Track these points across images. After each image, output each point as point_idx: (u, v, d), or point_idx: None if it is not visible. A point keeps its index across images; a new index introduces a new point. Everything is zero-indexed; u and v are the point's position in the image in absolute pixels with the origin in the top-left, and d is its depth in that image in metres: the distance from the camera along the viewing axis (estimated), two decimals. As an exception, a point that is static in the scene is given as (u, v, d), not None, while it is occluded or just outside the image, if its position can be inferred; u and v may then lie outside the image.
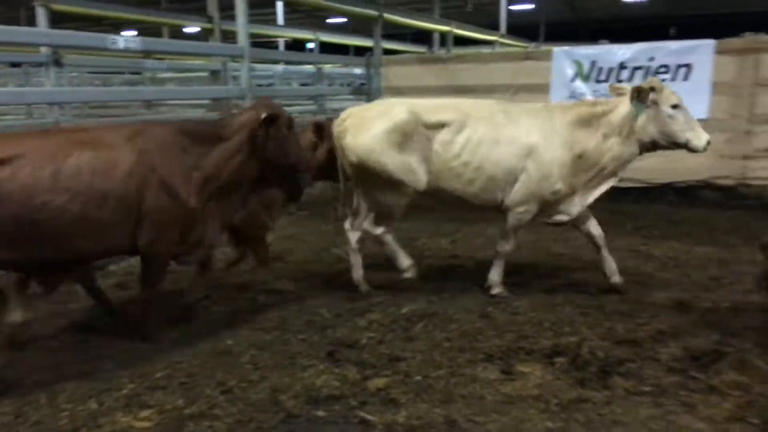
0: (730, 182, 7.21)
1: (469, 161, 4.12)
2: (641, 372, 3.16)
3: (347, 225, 4.51)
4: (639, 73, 7.82)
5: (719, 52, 7.33)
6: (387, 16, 9.31)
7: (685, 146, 4.06)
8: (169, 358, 3.39)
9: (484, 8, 25.13)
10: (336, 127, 4.31)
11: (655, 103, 4.03)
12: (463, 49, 14.29)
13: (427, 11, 14.68)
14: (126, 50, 6.10)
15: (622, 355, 3.31)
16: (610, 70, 7.93)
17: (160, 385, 3.11)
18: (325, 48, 15.61)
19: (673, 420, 2.76)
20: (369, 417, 2.77)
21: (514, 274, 4.76)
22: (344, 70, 16.27)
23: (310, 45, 18.03)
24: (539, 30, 27.76)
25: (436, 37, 14.08)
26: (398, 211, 4.33)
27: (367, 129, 4.14)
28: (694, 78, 7.48)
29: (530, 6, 27.25)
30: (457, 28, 12.11)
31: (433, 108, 4.24)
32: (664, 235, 6.00)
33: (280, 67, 12.84)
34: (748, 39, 7.26)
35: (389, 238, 4.40)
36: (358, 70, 10.03)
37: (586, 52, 8.15)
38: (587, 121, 4.16)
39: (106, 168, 3.25)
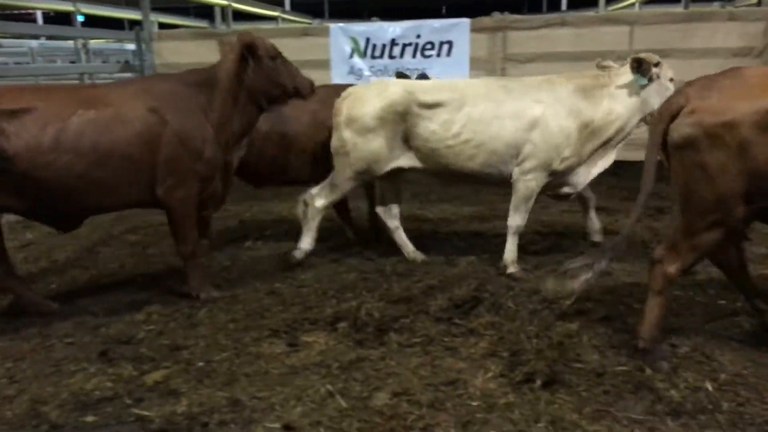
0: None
1: (470, 139, 4.12)
2: (413, 325, 3.45)
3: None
4: (409, 50, 8.34)
5: (474, 30, 8.10)
6: (155, -13, 8.66)
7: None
8: None
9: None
10: (336, 107, 4.32)
11: (658, 76, 4.11)
12: (248, 24, 13.93)
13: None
14: None
15: (397, 312, 3.57)
16: (384, 46, 8.34)
17: None
18: (98, 22, 14.14)
19: (439, 364, 3.06)
20: (145, 413, 2.64)
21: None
22: (117, 46, 14.87)
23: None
24: (324, 7, 28.13)
25: (218, 11, 13.49)
26: (348, 187, 4.40)
27: (363, 104, 4.19)
28: (455, 54, 8.19)
29: (314, -18, 27.30)
30: (236, 2, 11.70)
31: (429, 88, 4.28)
32: (440, 198, 6.59)
33: (35, 43, 11.32)
34: (496, 18, 8.12)
35: (318, 219, 4.46)
36: (132, 46, 9.24)
37: (361, 29, 8.46)
38: (591, 92, 4.17)
39: None
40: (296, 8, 21.31)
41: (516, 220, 4.30)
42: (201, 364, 3.07)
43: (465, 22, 8.16)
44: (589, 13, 8.15)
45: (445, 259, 4.56)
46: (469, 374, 2.95)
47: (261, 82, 3.89)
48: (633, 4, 14.00)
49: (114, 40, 13.42)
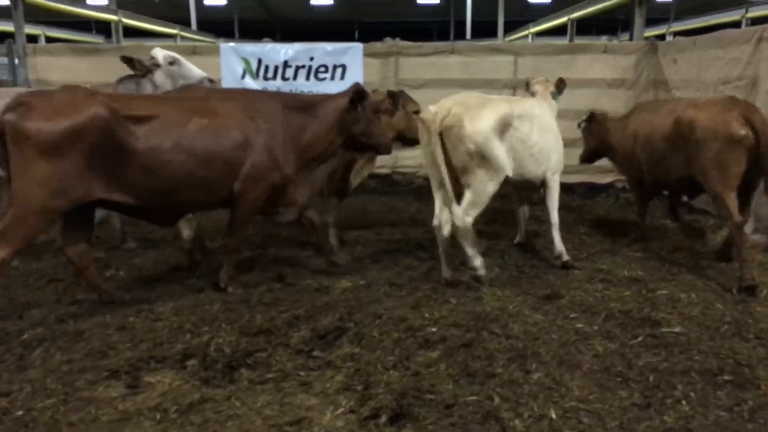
0: (385, 171, 8.09)
1: (543, 147, 4.64)
2: (269, 360, 3.27)
3: (436, 222, 4.48)
4: (302, 72, 8.25)
5: (367, 54, 8.14)
6: (28, -1, 8.12)
7: None
8: None
9: (174, 1, 24.10)
10: (439, 118, 4.27)
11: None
12: (141, 41, 13.39)
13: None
14: None
15: (254, 346, 3.38)
16: (276, 67, 8.20)
17: None
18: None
19: (289, 401, 2.90)
20: (-65, 475, 2.32)
21: (163, 279, 4.60)
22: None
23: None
24: (234, 26, 27.76)
25: (114, 27, 12.87)
26: (489, 200, 4.44)
27: (479, 117, 4.29)
28: (348, 77, 8.16)
29: (222, 2, 26.90)
30: (127, 17, 11.19)
31: (513, 101, 4.72)
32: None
33: None
34: (388, 44, 8.21)
35: (473, 233, 4.39)
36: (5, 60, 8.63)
37: (253, 49, 8.29)
38: (550, 106, 5.08)
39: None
40: (206, 28, 20.75)
41: (556, 216, 4.95)
42: (20, 413, 2.75)
43: (358, 46, 8.18)
44: (478, 42, 8.40)
45: (318, 286, 4.44)
46: (318, 411, 2.82)
47: (357, 126, 4.49)
48: (527, 36, 14.73)
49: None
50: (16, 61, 7.95)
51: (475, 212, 4.40)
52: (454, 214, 4.30)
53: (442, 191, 4.38)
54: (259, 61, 8.19)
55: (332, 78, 8.24)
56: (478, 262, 4.42)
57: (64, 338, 3.51)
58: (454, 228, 4.35)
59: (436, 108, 4.38)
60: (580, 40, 12.49)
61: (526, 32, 14.80)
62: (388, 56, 8.15)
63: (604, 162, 8.16)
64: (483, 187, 4.38)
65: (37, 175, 3.47)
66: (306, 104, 4.50)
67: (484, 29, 21.89)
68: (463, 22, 22.54)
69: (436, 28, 31.80)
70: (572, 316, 3.94)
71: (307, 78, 8.26)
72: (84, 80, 7.73)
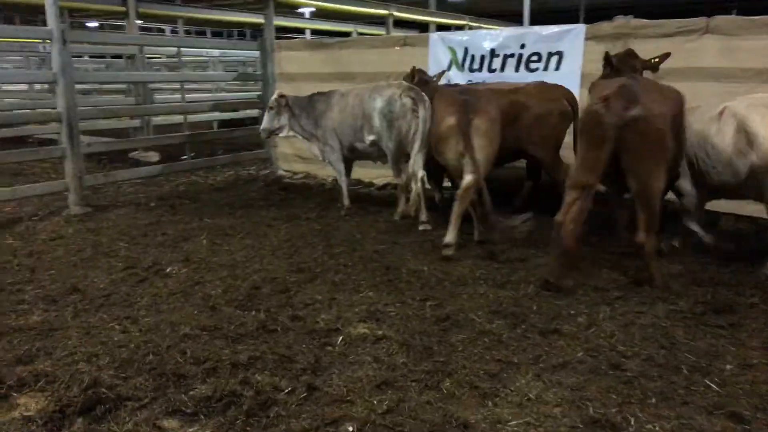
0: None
1: None
2: (122, 414, 2.67)
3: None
4: (511, 62, 7.06)
5: (590, 37, 6.47)
6: (281, -1, 8.86)
7: None
8: None
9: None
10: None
11: None
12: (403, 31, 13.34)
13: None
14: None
15: (132, 391, 2.82)
16: (483, 57, 7.21)
17: None
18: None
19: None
20: None
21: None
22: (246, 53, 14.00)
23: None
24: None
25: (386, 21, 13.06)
26: None
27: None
28: (564, 67, 6.67)
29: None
30: (400, 11, 11.37)
31: None
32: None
33: (216, 53, 12.55)
34: (619, 23, 6.36)
35: None
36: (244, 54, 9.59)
37: (460, 38, 7.46)
38: None
39: None
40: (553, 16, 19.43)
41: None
42: None
43: (580, 28, 6.60)
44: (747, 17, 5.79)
45: (323, 326, 3.61)
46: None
47: None
48: None
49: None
50: (266, 55, 8.78)
51: None
52: None
53: None
54: (465, 51, 7.31)
55: (545, 68, 6.84)
56: None
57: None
58: None
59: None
60: None
61: None
62: (615, 39, 6.29)
63: None
64: None
65: (661, 160, 4.02)
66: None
67: None
68: None
69: None
70: None
71: (517, 68, 7.03)
72: (315, 71, 8.20)
